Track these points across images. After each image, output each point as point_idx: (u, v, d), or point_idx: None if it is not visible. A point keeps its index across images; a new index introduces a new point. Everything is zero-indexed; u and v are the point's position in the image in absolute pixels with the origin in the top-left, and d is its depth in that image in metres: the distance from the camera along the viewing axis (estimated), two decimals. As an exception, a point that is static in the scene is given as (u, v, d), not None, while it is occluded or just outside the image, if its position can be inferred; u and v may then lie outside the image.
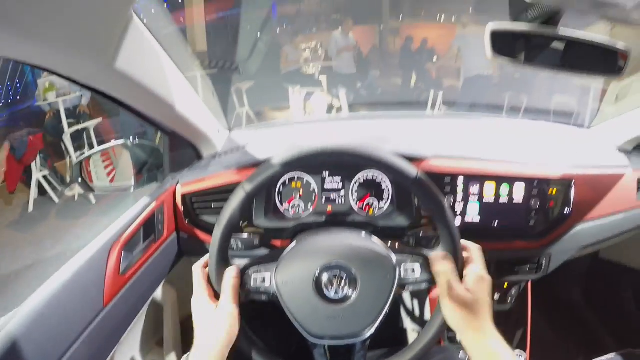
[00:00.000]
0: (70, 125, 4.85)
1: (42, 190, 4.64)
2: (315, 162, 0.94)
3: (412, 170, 0.93)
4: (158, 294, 1.32)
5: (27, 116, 7.16)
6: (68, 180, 5.07)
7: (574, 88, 4.47)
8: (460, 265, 0.95)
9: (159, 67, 0.99)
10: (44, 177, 4.63)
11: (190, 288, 1.09)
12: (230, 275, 0.90)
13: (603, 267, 1.94)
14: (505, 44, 0.91)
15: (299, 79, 6.83)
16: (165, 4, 6.57)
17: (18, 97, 8.32)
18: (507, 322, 1.56)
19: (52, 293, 0.85)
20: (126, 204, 1.18)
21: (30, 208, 4.53)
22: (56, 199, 4.68)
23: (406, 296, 1.73)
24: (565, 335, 2.04)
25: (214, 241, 0.92)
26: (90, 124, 4.97)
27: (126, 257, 1.04)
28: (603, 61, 0.92)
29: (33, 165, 4.53)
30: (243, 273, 0.95)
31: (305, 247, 0.98)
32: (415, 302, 1.68)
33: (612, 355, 1.37)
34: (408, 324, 1.70)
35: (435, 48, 7.99)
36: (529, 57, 0.91)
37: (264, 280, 0.93)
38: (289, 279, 0.92)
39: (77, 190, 4.68)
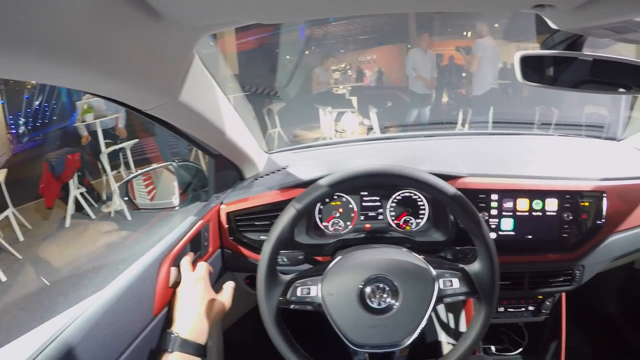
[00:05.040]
0: (107, 145, 5.01)
1: (78, 207, 4.80)
2: (360, 183, 1.02)
3: (450, 189, 0.99)
4: None
5: (63, 136, 7.41)
6: (104, 197, 5.25)
7: (605, 98, 4.42)
8: (496, 279, 1.00)
9: (213, 97, 1.08)
10: (81, 194, 4.80)
11: (233, 300, 1.16)
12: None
13: (638, 277, 1.92)
14: (534, 69, 0.96)
15: (330, 99, 6.85)
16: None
17: (54, 118, 8.64)
18: (542, 334, 1.57)
19: (107, 302, 0.90)
20: (162, 222, 1.24)
21: (67, 223, 4.67)
22: (92, 215, 4.83)
23: (441, 310, 1.76)
24: (600, 346, 2.01)
25: (263, 255, 1.00)
26: (127, 144, 5.15)
27: (175, 271, 1.09)
28: (629, 78, 0.95)
29: (70, 182, 4.70)
30: (290, 285, 1.03)
31: (349, 262, 1.05)
32: (450, 316, 1.70)
33: None
34: (443, 337, 1.72)
35: (463, 64, 7.95)
36: (557, 79, 0.95)
37: (309, 291, 1.01)
38: (334, 290, 0.99)
39: (113, 207, 4.82)
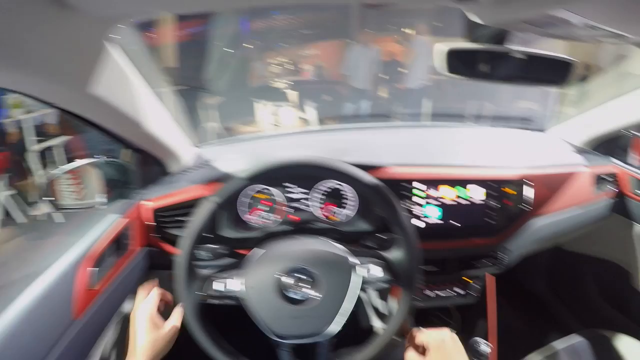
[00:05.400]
0: (35, 143, 4.74)
1: (5, 210, 4.50)
2: (277, 175, 1.03)
3: (367, 178, 1.01)
4: (129, 308, 1.32)
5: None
6: (33, 199, 4.91)
7: (536, 93, 4.64)
8: (416, 265, 1.01)
9: (130, 88, 1.03)
10: (9, 196, 4.50)
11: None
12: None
13: (564, 256, 2.03)
14: (456, 61, 0.97)
15: (269, 93, 6.84)
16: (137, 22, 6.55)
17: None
18: (471, 315, 1.63)
19: (24, 309, 0.87)
20: (93, 222, 1.19)
21: (-7, 229, 4.36)
22: (20, 219, 4.55)
23: (373, 296, 1.78)
24: (531, 322, 2.12)
25: (181, 251, 0.99)
26: (56, 142, 4.89)
27: (95, 272, 1.06)
28: (552, 72, 0.99)
29: (-4, 184, 4.38)
30: (209, 280, 1.02)
31: (269, 254, 1.05)
32: (382, 302, 1.72)
33: (578, 337, 1.44)
34: (376, 322, 1.74)
35: (401, 61, 8.06)
36: (479, 71, 0.97)
37: (227, 285, 1.01)
38: (254, 283, 1.00)
39: (42, 209, 4.54)
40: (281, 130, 5.16)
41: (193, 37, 7.26)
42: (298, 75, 8.67)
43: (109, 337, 1.21)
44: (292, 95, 7.10)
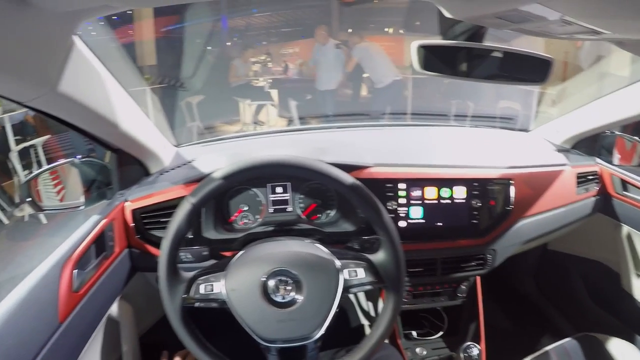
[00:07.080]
0: (17, 142, 4.67)
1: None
2: (254, 174, 1.01)
3: (347, 178, 1.00)
4: (114, 310, 1.30)
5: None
6: (17, 200, 4.84)
7: (518, 94, 4.69)
8: (401, 267, 1.01)
9: (103, 87, 1.03)
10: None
11: (146, 303, 1.10)
12: None
13: (552, 257, 2.06)
14: (431, 58, 0.97)
15: (250, 92, 6.78)
16: (115, 18, 6.45)
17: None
18: (460, 317, 1.64)
19: (8, 312, 0.85)
20: (76, 223, 1.17)
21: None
22: (5, 220, 4.48)
23: (361, 297, 1.78)
24: (521, 325, 2.14)
25: (162, 253, 0.98)
26: (38, 141, 4.82)
27: (79, 275, 1.04)
28: (529, 70, 1.00)
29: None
30: (192, 282, 1.01)
31: (252, 256, 1.05)
32: (370, 303, 1.73)
33: (568, 339, 1.46)
34: (366, 323, 1.75)
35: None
36: (454, 68, 0.98)
37: (213, 288, 1.00)
38: (237, 286, 0.99)
39: (27, 210, 4.47)
40: (263, 129, 5.13)
41: (171, 34, 7.18)
42: (279, 73, 8.66)
43: (95, 341, 1.20)
44: (273, 93, 7.06)
